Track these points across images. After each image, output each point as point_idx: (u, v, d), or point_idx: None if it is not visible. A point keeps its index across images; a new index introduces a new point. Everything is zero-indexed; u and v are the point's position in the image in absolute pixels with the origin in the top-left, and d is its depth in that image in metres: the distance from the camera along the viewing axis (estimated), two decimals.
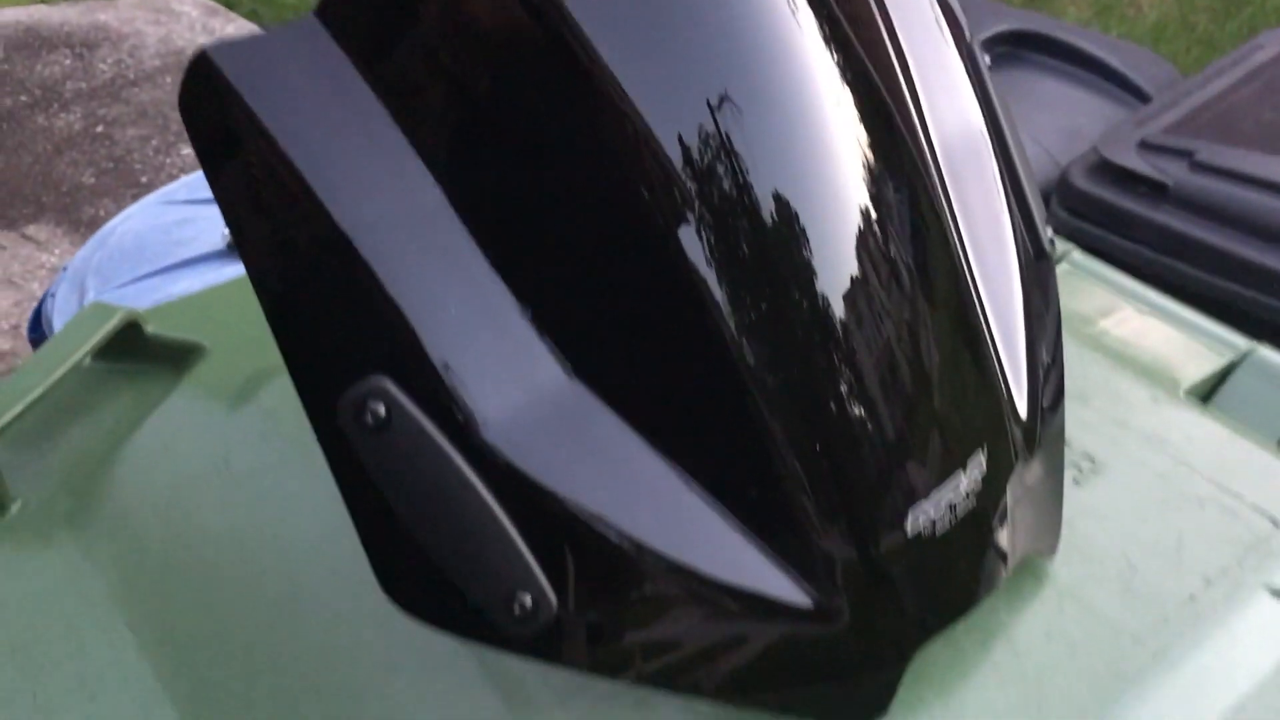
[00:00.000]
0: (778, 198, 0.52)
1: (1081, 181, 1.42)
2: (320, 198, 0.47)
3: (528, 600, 0.50)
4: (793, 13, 0.54)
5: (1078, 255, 0.97)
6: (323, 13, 0.49)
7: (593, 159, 0.50)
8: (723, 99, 0.51)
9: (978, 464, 0.56)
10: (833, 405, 0.53)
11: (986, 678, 0.58)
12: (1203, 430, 0.72)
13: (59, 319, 1.47)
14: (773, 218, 0.52)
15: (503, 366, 0.50)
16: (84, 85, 3.38)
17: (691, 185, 0.50)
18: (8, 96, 3.33)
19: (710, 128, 0.50)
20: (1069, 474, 0.69)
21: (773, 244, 0.52)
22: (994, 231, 0.64)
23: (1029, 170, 0.68)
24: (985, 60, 0.67)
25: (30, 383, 0.75)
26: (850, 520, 0.53)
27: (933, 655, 0.59)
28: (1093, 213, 1.41)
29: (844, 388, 0.53)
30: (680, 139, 0.49)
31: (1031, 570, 0.63)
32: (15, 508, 0.72)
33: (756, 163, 0.51)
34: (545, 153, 0.50)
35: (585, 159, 0.50)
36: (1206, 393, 0.86)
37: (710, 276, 0.50)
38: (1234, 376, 0.86)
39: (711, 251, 0.50)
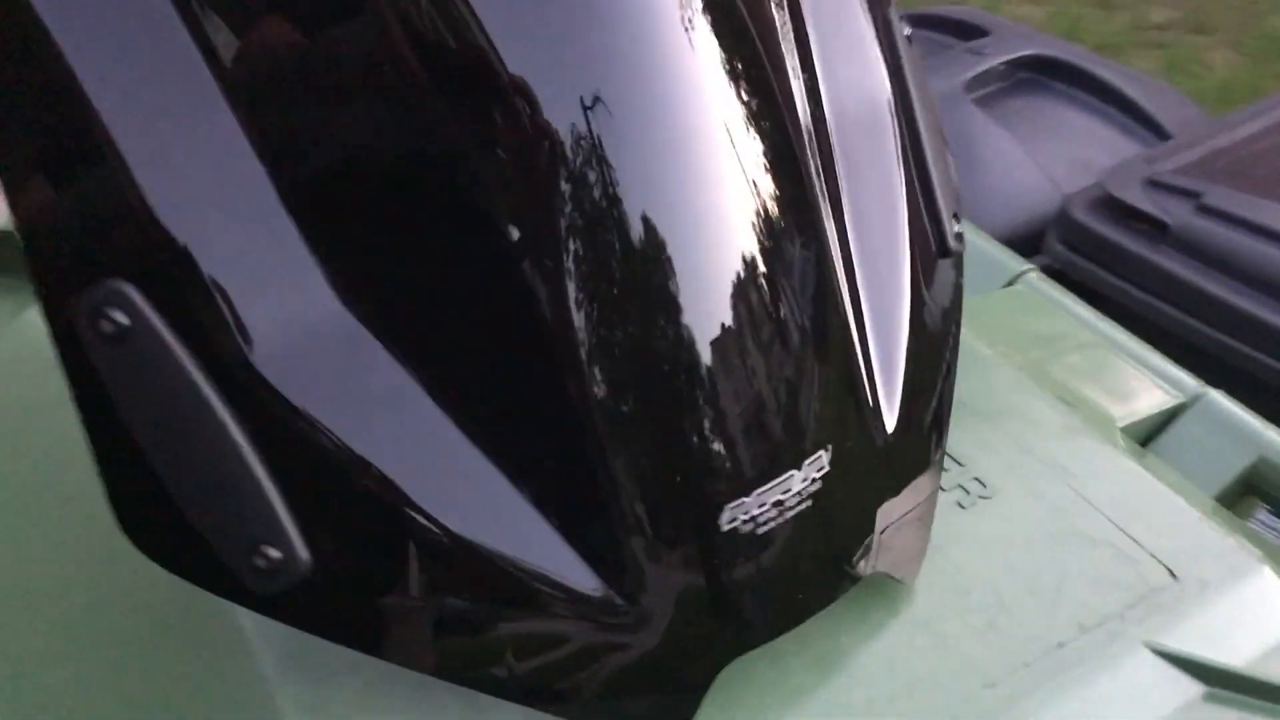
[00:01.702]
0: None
1: (1081, 214, 1.34)
2: (72, 69, 0.42)
3: (273, 553, 0.44)
4: None
5: (1034, 277, 0.90)
6: None
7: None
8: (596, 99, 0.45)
9: (818, 465, 0.50)
10: (651, 378, 0.47)
11: (811, 705, 0.52)
12: (1117, 468, 0.65)
13: None
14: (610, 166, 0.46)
15: (270, 284, 0.44)
16: None
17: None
18: None
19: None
20: (953, 496, 0.62)
21: (609, 209, 0.46)
22: (886, 223, 0.58)
23: (941, 155, 0.62)
24: (905, 30, 0.61)
25: None
26: (656, 507, 0.48)
27: (754, 674, 0.53)
28: (1088, 248, 1.33)
29: (667, 363, 0.47)
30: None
31: (885, 595, 0.57)
32: None
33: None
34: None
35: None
36: (1147, 435, 0.79)
37: (526, 219, 0.45)
38: (1179, 420, 0.79)
39: (529, 195, 0.45)
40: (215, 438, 0.43)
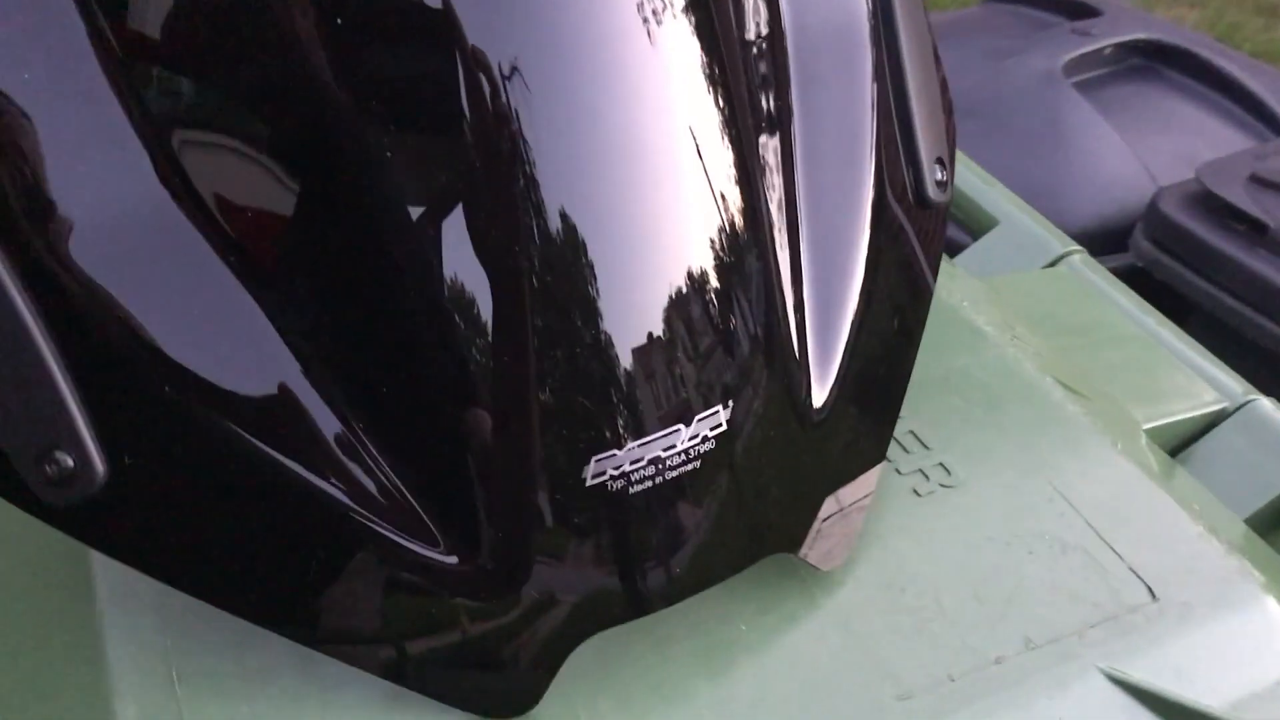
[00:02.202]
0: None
1: (1172, 209, 1.22)
2: None
3: (67, 460, 0.39)
4: None
5: (1078, 259, 0.81)
6: None
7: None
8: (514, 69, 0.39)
9: (712, 422, 0.43)
10: (515, 300, 0.41)
11: (688, 699, 0.45)
12: (1113, 469, 0.56)
13: None
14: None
15: (82, 157, 0.39)
16: None
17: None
18: None
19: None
20: (909, 481, 0.55)
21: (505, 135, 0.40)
22: (844, 161, 0.50)
23: (932, 98, 0.54)
24: None
25: None
26: (512, 451, 0.41)
27: (630, 658, 0.46)
28: (1178, 247, 1.21)
29: (540, 296, 0.41)
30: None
31: (800, 581, 0.49)
32: None
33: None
34: None
35: None
36: (1179, 441, 0.69)
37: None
38: (1219, 429, 0.69)
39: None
40: (5, 321, 0.39)
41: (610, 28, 0.42)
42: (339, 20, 0.39)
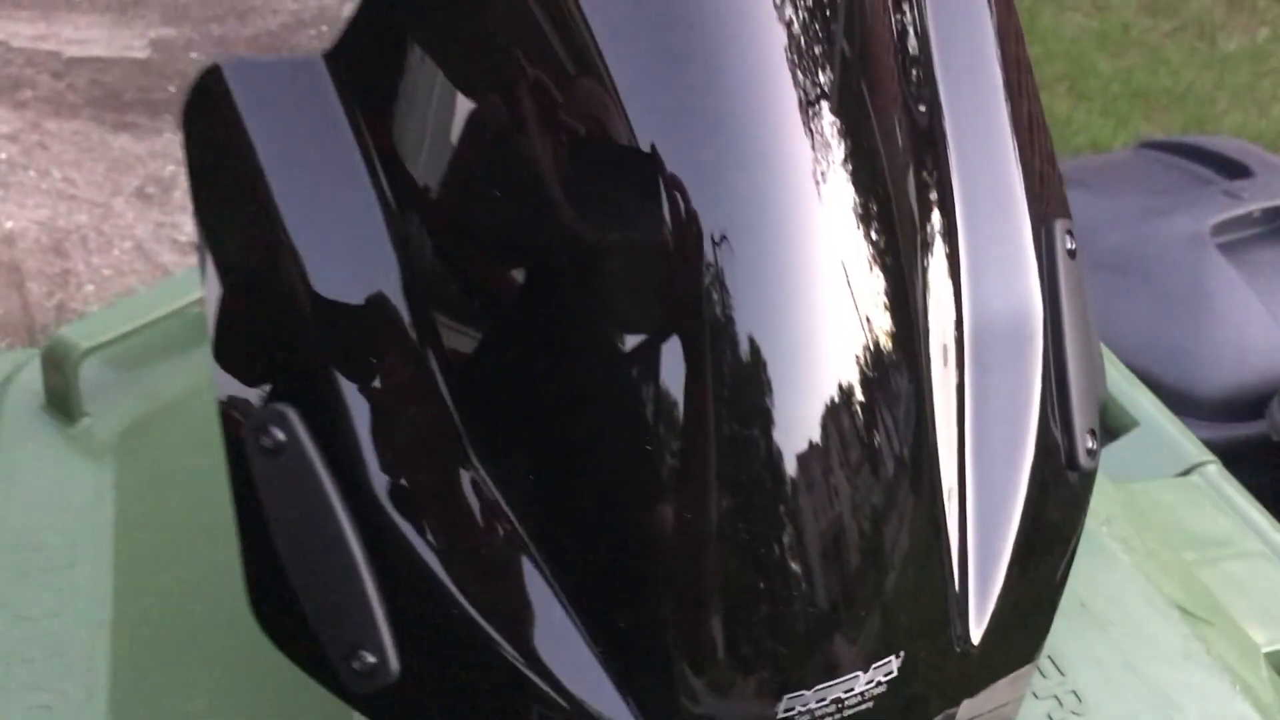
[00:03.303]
0: (752, 340, 0.50)
1: None
2: (278, 219, 0.49)
3: (369, 658, 0.50)
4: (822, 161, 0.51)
5: (1213, 470, 0.87)
6: (328, 57, 0.51)
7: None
8: (724, 237, 0.49)
9: (886, 670, 0.52)
10: (732, 561, 0.50)
11: None
12: (1227, 709, 0.63)
13: None
14: (739, 356, 0.50)
15: (411, 430, 0.50)
16: None
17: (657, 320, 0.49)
18: None
19: (710, 259, 0.49)
20: (1045, 706, 0.62)
21: (728, 383, 0.50)
22: (1011, 424, 0.59)
23: (1088, 369, 0.62)
24: (1068, 245, 0.61)
25: (134, 314, 0.82)
26: (718, 681, 0.51)
27: None
28: None
29: (751, 547, 0.50)
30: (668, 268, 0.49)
31: None
32: (83, 423, 0.79)
33: (741, 302, 0.49)
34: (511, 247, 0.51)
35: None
36: None
37: (650, 395, 0.49)
38: None
39: (657, 376, 0.49)
40: (336, 548, 0.50)
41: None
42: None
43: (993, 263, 0.59)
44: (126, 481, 0.75)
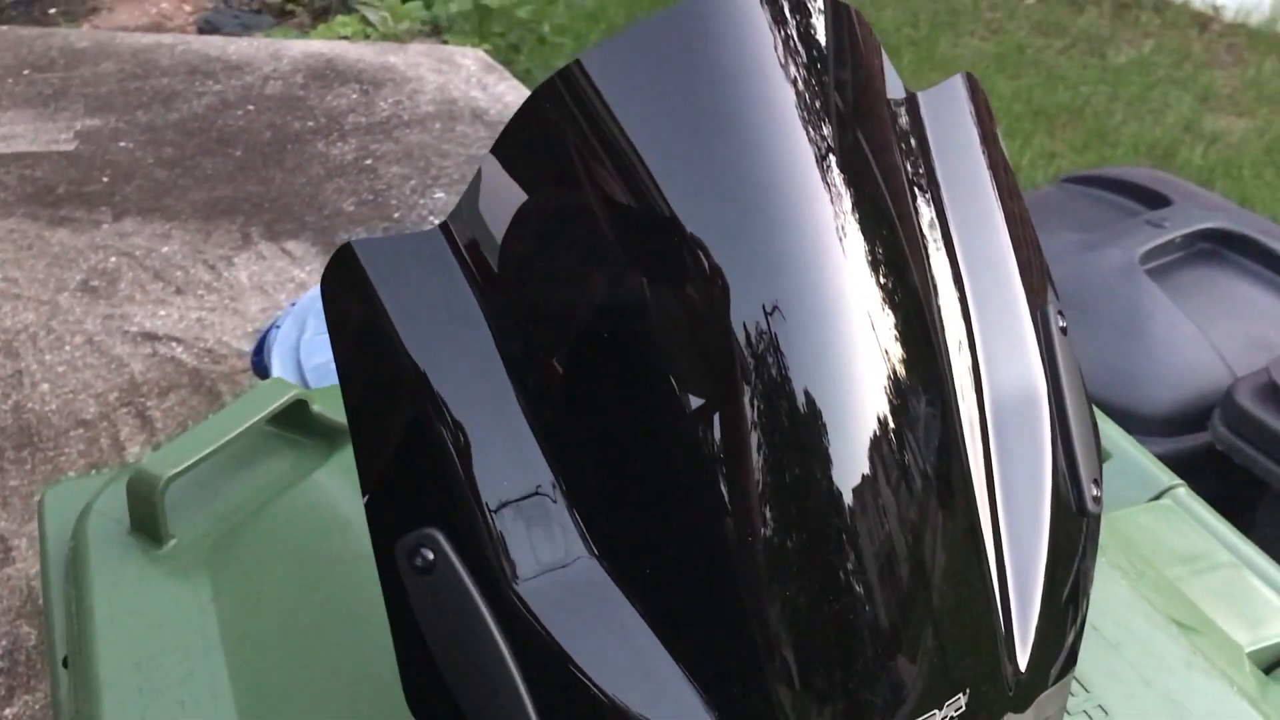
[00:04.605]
0: (808, 414, 0.59)
1: (1246, 400, 1.40)
2: (411, 375, 0.58)
3: None
4: (850, 238, 0.61)
5: (1182, 493, 0.98)
6: (444, 228, 0.60)
7: (649, 372, 0.58)
8: (775, 307, 0.58)
9: (956, 706, 0.61)
10: (822, 624, 0.59)
11: None
12: (1227, 705, 0.74)
13: (277, 350, 1.66)
14: (801, 428, 0.59)
15: (537, 537, 0.59)
16: (363, 120, 3.70)
17: (729, 390, 0.58)
18: (298, 120, 3.69)
19: (764, 329, 0.58)
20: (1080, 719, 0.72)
21: (796, 464, 0.59)
22: (1030, 480, 0.69)
23: (1087, 429, 0.72)
24: (1059, 323, 0.72)
25: (207, 438, 0.89)
26: None
27: None
28: (1253, 435, 1.39)
29: (834, 594, 0.59)
30: (733, 346, 0.57)
31: None
32: (170, 544, 0.85)
33: (795, 373, 0.58)
34: (603, 367, 0.59)
35: (641, 371, 0.59)
36: (1275, 659, 0.86)
37: (731, 482, 0.58)
38: None
39: (736, 460, 0.58)
40: (490, 654, 0.58)
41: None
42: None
43: (1000, 341, 0.69)
44: (224, 594, 0.82)
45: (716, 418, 0.58)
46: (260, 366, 1.73)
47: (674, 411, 0.58)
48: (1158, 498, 0.99)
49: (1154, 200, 1.77)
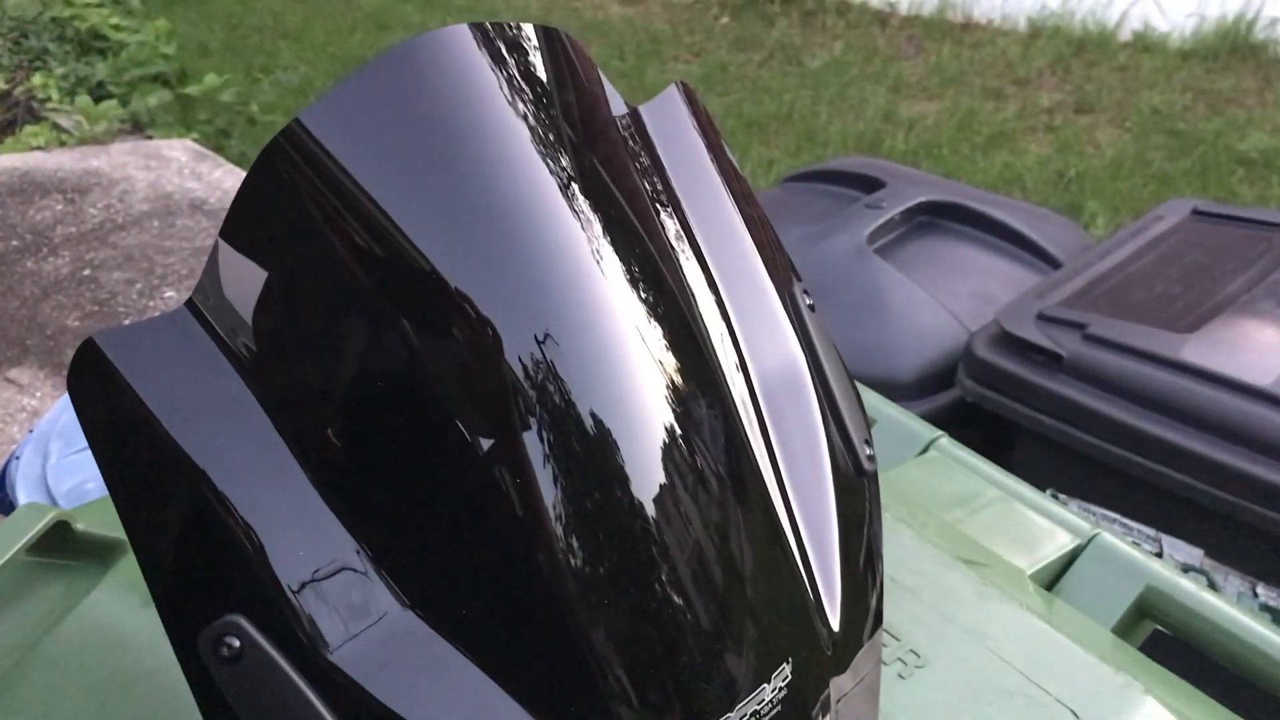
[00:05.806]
0: (598, 435, 0.60)
1: (984, 351, 1.51)
2: (185, 466, 0.55)
3: None
4: (608, 261, 0.62)
5: (945, 442, 1.05)
6: (190, 306, 0.58)
7: (429, 407, 0.58)
8: (547, 336, 0.59)
9: (783, 675, 0.64)
10: (646, 636, 0.60)
11: None
12: (1025, 625, 0.79)
13: (22, 480, 1.55)
14: (594, 450, 0.59)
15: (345, 603, 0.57)
16: (74, 230, 3.51)
17: (516, 426, 0.58)
18: (0, 241, 3.46)
19: (540, 360, 0.58)
20: (894, 669, 0.76)
21: (593, 473, 0.59)
22: (809, 452, 0.72)
23: (850, 394, 0.76)
24: (806, 302, 0.76)
25: None
26: None
27: None
28: (996, 381, 1.50)
29: (651, 604, 0.60)
30: (513, 381, 0.58)
31: None
32: None
33: (578, 398, 0.59)
34: (382, 413, 0.58)
35: (420, 408, 0.58)
36: (1053, 577, 0.93)
37: (534, 514, 0.58)
38: (1077, 563, 0.93)
39: (535, 493, 0.58)
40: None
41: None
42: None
43: (757, 326, 0.72)
44: None
45: (508, 455, 0.58)
46: (3, 501, 1.61)
47: (466, 456, 0.58)
48: (924, 451, 1.05)
49: (869, 185, 1.89)
